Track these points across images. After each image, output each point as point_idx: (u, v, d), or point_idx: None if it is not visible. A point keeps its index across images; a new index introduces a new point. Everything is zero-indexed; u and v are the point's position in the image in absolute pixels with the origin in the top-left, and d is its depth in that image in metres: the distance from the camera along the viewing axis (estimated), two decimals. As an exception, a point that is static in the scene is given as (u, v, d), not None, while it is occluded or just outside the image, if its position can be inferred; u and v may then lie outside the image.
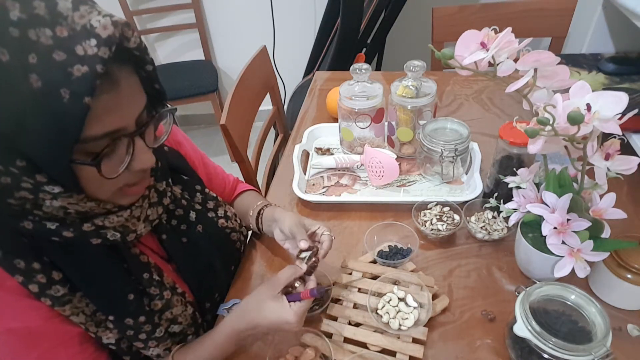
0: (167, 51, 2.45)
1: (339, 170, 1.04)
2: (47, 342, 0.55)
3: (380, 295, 0.71)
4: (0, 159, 0.43)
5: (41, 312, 0.54)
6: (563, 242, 0.64)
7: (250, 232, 0.90)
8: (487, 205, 0.83)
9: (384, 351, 0.66)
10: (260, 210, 0.83)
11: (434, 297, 0.73)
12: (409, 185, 0.97)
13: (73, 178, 0.47)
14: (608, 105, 0.54)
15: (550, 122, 0.55)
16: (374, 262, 0.80)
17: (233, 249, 0.81)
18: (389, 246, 0.82)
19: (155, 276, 0.63)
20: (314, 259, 0.67)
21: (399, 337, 0.67)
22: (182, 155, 0.77)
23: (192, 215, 0.72)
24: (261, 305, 0.63)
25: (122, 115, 0.47)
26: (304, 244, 0.68)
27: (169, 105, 0.56)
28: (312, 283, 0.65)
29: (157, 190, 0.64)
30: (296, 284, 0.66)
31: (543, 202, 0.66)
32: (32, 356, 0.54)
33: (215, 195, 0.80)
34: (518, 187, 0.74)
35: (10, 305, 0.52)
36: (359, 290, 0.75)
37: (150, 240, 0.66)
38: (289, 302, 0.62)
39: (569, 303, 0.60)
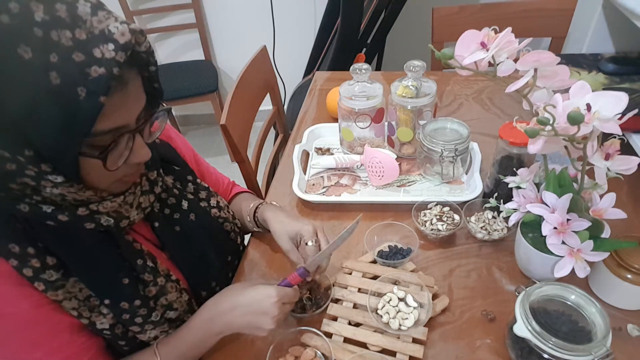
0: (167, 51, 2.45)
1: (339, 170, 1.04)
2: (36, 330, 0.55)
3: (380, 295, 0.71)
4: (9, 146, 0.45)
5: (32, 299, 0.54)
6: (563, 242, 0.64)
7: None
8: (487, 205, 0.83)
9: (384, 351, 0.66)
10: (254, 214, 0.84)
11: (434, 297, 0.73)
12: (409, 185, 0.97)
13: (76, 169, 0.49)
14: (608, 105, 0.54)
15: (550, 122, 0.55)
16: (374, 262, 0.80)
17: (227, 239, 0.82)
18: (389, 246, 0.82)
19: (149, 263, 0.64)
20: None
21: (399, 337, 0.67)
22: (173, 147, 0.79)
23: (185, 204, 0.73)
24: (245, 287, 0.65)
25: (127, 113, 0.50)
26: (322, 252, 0.69)
27: (164, 104, 0.59)
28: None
29: (149, 179, 0.66)
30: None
31: (543, 202, 0.66)
32: (20, 343, 0.54)
33: (207, 185, 0.81)
34: (518, 187, 0.73)
35: (1, 291, 0.53)
36: (359, 290, 0.75)
37: (143, 228, 0.67)
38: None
39: (569, 303, 0.60)
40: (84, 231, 0.56)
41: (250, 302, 0.63)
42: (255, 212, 0.84)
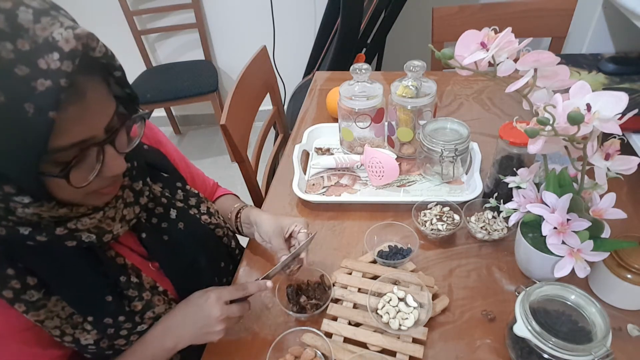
0: (167, 51, 2.45)
1: (339, 170, 1.04)
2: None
3: (380, 295, 0.71)
4: None
5: None
6: (563, 242, 0.64)
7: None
8: (487, 205, 0.83)
9: (384, 351, 0.66)
10: (237, 212, 0.85)
11: (434, 297, 0.73)
12: (409, 185, 0.97)
13: (42, 188, 0.47)
14: (608, 105, 0.53)
15: (550, 122, 0.55)
16: (374, 262, 0.80)
17: (219, 245, 0.81)
18: (389, 246, 0.82)
19: (133, 278, 0.62)
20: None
21: (399, 337, 0.67)
22: (163, 153, 0.77)
23: (173, 212, 0.71)
24: (194, 295, 0.64)
25: (90, 125, 0.47)
26: (284, 258, 0.71)
27: (141, 109, 0.55)
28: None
29: (133, 190, 0.63)
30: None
31: (543, 202, 0.66)
32: None
33: (197, 192, 0.79)
34: (518, 187, 0.73)
35: None
36: (359, 290, 0.75)
37: (130, 239, 0.65)
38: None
39: (569, 303, 0.60)
40: (66, 249, 0.54)
41: (194, 310, 0.62)
42: (238, 212, 0.85)
